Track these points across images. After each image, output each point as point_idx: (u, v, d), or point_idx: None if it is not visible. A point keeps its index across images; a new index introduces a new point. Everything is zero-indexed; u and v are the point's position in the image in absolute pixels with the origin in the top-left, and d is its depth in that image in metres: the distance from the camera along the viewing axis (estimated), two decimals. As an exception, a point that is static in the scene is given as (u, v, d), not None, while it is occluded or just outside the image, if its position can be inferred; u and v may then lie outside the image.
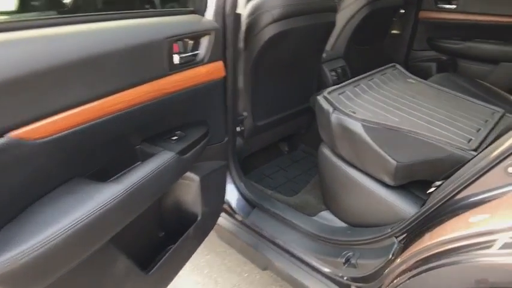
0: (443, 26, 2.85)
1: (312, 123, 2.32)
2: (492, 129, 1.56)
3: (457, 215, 1.12)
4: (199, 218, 1.36)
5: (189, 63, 1.17)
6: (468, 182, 1.12)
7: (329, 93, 1.59)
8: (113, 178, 1.01)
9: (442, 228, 1.12)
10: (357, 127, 1.45)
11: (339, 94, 1.60)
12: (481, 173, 1.10)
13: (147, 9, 1.13)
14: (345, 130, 1.48)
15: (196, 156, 1.20)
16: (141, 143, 1.11)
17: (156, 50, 1.06)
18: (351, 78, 2.57)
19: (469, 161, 1.25)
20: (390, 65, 1.99)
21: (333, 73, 2.41)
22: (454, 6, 2.75)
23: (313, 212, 1.75)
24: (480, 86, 2.56)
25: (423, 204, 1.41)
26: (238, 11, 1.47)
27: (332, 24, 2.04)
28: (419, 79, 1.99)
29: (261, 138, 2.14)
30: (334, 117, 1.49)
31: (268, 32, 1.72)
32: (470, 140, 1.46)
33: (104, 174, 1.01)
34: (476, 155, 1.23)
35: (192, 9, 1.31)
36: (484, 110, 1.75)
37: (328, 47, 2.50)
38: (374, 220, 1.52)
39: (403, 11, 2.89)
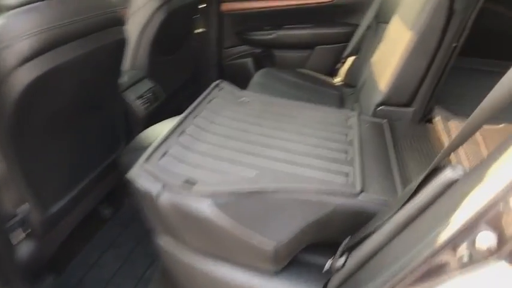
0: (251, 17, 2.53)
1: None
2: (361, 149, 1.23)
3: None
4: None
5: None
6: (404, 274, 0.72)
7: (147, 160, 1.02)
8: None
9: None
10: (205, 209, 0.93)
11: (162, 157, 1.04)
12: (419, 261, 0.70)
13: None
14: (188, 217, 0.94)
15: None
16: None
17: None
18: (165, 101, 2.06)
19: (378, 228, 0.86)
20: (215, 83, 1.51)
21: (141, 101, 1.84)
22: (256, -7, 2.42)
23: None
24: (304, 76, 2.36)
25: (327, 283, 1.00)
26: None
27: (122, 42, 1.45)
28: (251, 93, 1.57)
29: (66, 222, 1.46)
30: (166, 200, 0.94)
31: (20, 80, 1.05)
32: (347, 174, 1.09)
33: None
34: (387, 219, 0.84)
35: None
36: (335, 118, 1.43)
37: (126, 66, 1.91)
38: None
39: (205, 5, 2.46)
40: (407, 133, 1.41)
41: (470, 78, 2.05)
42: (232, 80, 2.55)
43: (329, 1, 2.38)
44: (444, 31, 1.35)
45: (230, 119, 1.28)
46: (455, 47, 1.37)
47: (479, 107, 0.69)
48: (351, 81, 2.27)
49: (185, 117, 1.21)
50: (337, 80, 2.40)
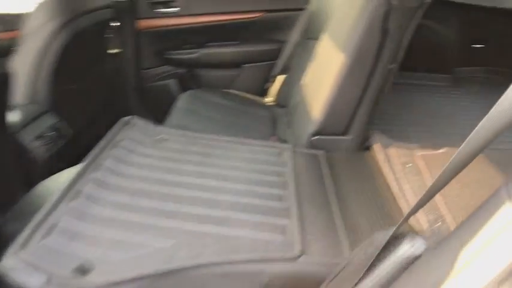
0: (171, 35, 2.30)
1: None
2: (297, 192, 1.07)
3: None
4: None
5: None
6: None
7: (24, 244, 0.77)
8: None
9: None
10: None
11: (48, 234, 0.80)
12: None
13: None
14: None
15: None
16: None
17: None
18: (74, 138, 1.78)
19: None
20: (124, 120, 1.29)
21: (42, 141, 1.55)
22: (176, 9, 2.21)
23: None
24: (232, 97, 2.19)
25: None
26: None
27: (4, 76, 1.18)
28: (170, 130, 1.36)
29: None
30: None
31: None
32: (284, 230, 0.92)
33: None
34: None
35: None
36: (267, 154, 1.27)
37: (22, 100, 1.62)
38: None
39: (119, 23, 2.20)
40: (346, 166, 1.27)
41: (400, 93, 1.98)
42: (154, 104, 2.34)
43: (254, 17, 2.23)
44: (378, 53, 1.23)
45: (141, 167, 1.07)
46: (391, 68, 1.26)
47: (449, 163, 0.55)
48: (283, 100, 2.14)
49: (82, 172, 0.98)
50: (268, 100, 2.25)
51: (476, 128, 0.52)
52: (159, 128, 1.31)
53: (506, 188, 0.51)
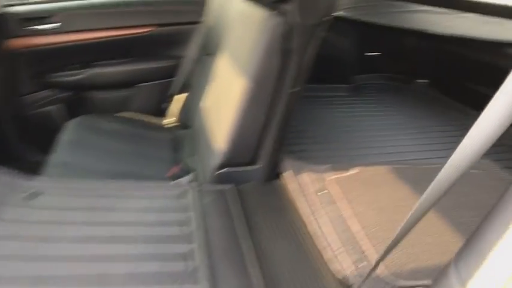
0: (52, 54, 2.01)
1: None
2: (206, 246, 0.92)
3: None
4: None
5: None
6: None
7: None
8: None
9: None
10: None
11: None
12: None
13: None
14: None
15: None
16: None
17: None
18: None
19: None
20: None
21: None
22: (55, 25, 1.94)
23: None
24: (128, 122, 2.02)
25: None
26: None
27: None
28: (42, 180, 1.13)
29: None
30: None
31: None
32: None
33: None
34: None
35: None
36: (167, 198, 1.10)
37: None
38: None
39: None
40: (258, 201, 1.15)
41: (302, 107, 1.93)
42: (37, 136, 2.03)
43: (145, 32, 2.04)
44: (281, 75, 1.13)
45: (4, 239, 0.84)
46: (296, 92, 1.16)
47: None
48: (185, 120, 1.97)
49: None
50: (168, 121, 2.08)
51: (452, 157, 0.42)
52: (31, 181, 1.07)
53: (456, 267, 0.42)
